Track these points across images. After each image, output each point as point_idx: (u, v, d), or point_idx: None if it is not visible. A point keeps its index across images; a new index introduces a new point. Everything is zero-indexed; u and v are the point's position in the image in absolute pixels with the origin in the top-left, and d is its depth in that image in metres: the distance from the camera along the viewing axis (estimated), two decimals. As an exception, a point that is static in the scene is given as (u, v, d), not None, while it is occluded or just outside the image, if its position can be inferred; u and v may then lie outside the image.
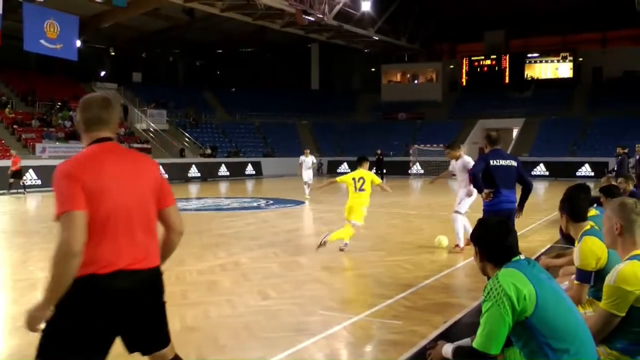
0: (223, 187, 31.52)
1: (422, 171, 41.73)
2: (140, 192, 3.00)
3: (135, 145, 37.27)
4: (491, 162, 7.88)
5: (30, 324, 2.81)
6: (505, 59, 50.57)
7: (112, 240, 2.86)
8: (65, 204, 2.76)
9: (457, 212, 10.49)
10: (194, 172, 37.23)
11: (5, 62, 38.75)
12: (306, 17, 35.82)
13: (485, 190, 7.86)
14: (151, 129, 41.52)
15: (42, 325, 2.82)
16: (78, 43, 29.44)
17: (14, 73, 40.28)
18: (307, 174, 22.24)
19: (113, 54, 49.94)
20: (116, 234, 2.87)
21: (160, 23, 43.02)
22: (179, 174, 35.25)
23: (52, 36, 27.59)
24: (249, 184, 34.03)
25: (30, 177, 27.57)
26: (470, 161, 10.42)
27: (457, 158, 10.72)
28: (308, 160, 22.58)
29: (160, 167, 3.26)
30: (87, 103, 3.11)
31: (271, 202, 21.13)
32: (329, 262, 9.67)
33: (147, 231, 3.01)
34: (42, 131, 35.13)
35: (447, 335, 4.90)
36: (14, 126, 34.76)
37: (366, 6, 38.63)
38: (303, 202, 20.24)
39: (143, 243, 2.98)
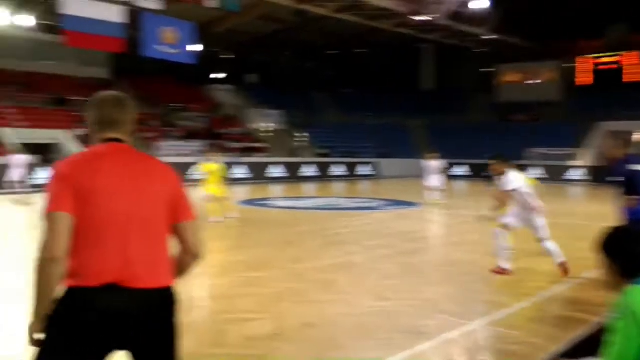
0: (338, 187, 31.78)
1: (542, 175, 40.29)
2: (145, 201, 2.61)
3: (251, 144, 38.52)
4: (634, 166, 7.44)
5: (29, 336, 2.55)
6: (629, 56, 47.99)
7: (104, 249, 2.51)
8: (50, 204, 2.50)
9: (502, 227, 8.56)
10: (307, 171, 37.81)
11: (129, 68, 40.80)
12: (417, 17, 35.52)
13: (633, 197, 7.41)
14: (266, 129, 42.60)
15: (39, 337, 2.54)
16: (195, 47, 30.62)
17: (137, 77, 42.39)
18: (433, 179, 19.83)
19: (227, 57, 51.58)
20: (109, 243, 2.52)
21: (272, 26, 43.95)
22: (292, 174, 36.10)
23: (170, 42, 28.91)
24: (364, 185, 34.09)
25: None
26: (512, 180, 8.42)
27: (501, 174, 8.65)
28: (433, 164, 20.21)
29: (177, 179, 2.84)
30: (99, 101, 2.83)
31: (387, 203, 20.98)
32: (446, 264, 9.53)
33: (151, 245, 2.62)
34: (162, 131, 36.92)
35: (569, 352, 4.69)
36: (137, 126, 36.78)
37: (479, 4, 37.81)
38: (419, 204, 19.66)
39: (145, 258, 2.58)
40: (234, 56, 51.83)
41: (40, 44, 37.82)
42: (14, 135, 30.31)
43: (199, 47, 33.94)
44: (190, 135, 37.08)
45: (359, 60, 57.11)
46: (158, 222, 2.65)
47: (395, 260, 9.80)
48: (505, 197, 8.46)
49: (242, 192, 25.84)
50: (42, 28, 37.00)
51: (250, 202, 21.29)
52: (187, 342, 5.56)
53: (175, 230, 2.72)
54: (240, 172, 33.88)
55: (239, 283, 8.08)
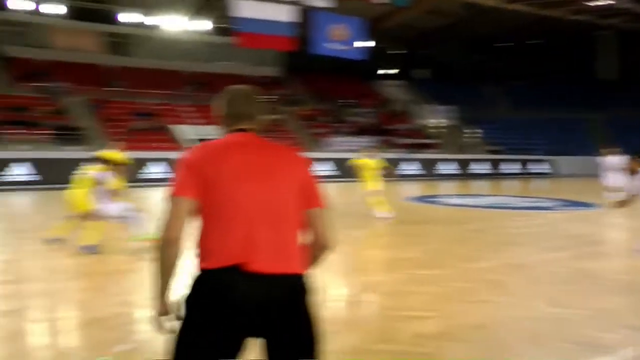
0: (510, 185, 30.81)
1: None
2: (272, 187, 2.63)
3: (420, 141, 38.48)
4: None
5: (154, 323, 2.67)
6: None
7: (231, 233, 2.55)
8: (173, 189, 2.61)
9: None
10: (478, 168, 37.04)
11: (300, 66, 42.14)
12: (595, 2, 33.43)
13: None
14: (436, 125, 42.25)
15: (166, 320, 2.64)
16: (365, 44, 31.01)
17: (307, 75, 43.71)
18: (613, 178, 18.06)
19: (396, 52, 51.67)
20: (236, 228, 2.56)
21: (441, 19, 43.41)
22: (463, 170, 35.59)
23: (340, 38, 29.49)
24: (538, 183, 32.76)
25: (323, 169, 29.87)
26: None
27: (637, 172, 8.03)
28: (612, 161, 18.60)
29: (311, 165, 2.85)
30: (228, 95, 2.86)
31: (562, 203, 20.01)
32: (628, 272, 8.90)
33: (279, 232, 2.61)
34: (332, 127, 37.83)
35: None
36: (307, 122, 37.98)
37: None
38: (598, 206, 18.12)
39: (273, 244, 2.58)
40: (402, 51, 51.81)
41: (215, 46, 40.20)
42: (190, 131, 32.51)
43: (369, 43, 34.32)
44: (360, 131, 37.69)
45: (530, 51, 54.86)
46: (286, 209, 2.65)
47: (570, 264, 9.31)
48: None
49: (412, 189, 25.82)
50: (217, 31, 39.27)
51: (420, 198, 21.29)
52: (354, 337, 5.76)
53: (305, 218, 2.72)
54: (410, 168, 33.89)
55: (407, 280, 8.10)
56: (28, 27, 37.96)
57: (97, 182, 9.67)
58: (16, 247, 10.78)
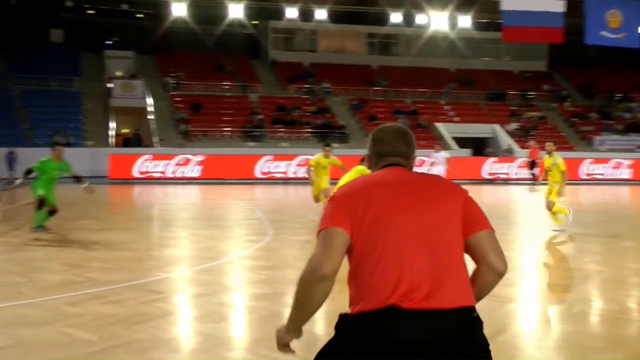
0: None
1: None
2: (428, 217, 2.36)
3: None
4: None
5: (277, 342, 2.56)
6: None
7: (386, 271, 2.27)
8: (324, 222, 2.38)
9: None
10: None
11: (566, 58, 39.64)
12: None
13: None
14: None
15: (291, 347, 2.54)
16: (641, 29, 28.10)
17: (573, 68, 40.94)
18: None
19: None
20: (391, 264, 2.28)
21: None
22: None
23: (614, 26, 26.99)
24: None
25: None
26: None
27: None
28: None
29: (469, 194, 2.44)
30: (380, 134, 2.68)
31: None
32: None
33: (442, 263, 2.31)
34: (601, 124, 34.86)
35: None
36: (573, 119, 35.48)
37: None
38: None
39: (435, 277, 2.28)
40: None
41: (479, 41, 39.36)
42: (451, 129, 32.25)
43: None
44: (629, 128, 34.20)
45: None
46: (447, 239, 2.37)
47: None
48: None
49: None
50: (477, 26, 38.47)
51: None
52: (618, 356, 5.09)
53: (470, 244, 2.41)
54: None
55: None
56: (295, 33, 40.79)
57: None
58: (275, 236, 11.38)
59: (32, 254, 9.18)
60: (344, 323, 2.34)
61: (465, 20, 38.66)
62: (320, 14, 38.99)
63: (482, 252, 2.41)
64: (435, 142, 25.70)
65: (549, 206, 11.72)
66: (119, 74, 35.09)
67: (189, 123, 31.60)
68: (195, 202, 19.76)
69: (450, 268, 2.33)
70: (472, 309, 2.32)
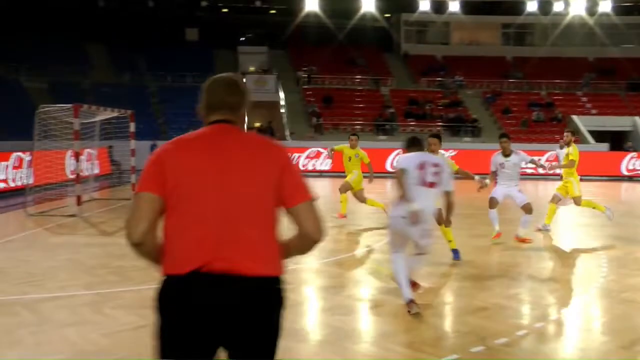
0: None
1: None
2: (242, 182, 2.38)
3: None
4: None
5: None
6: None
7: (194, 233, 2.32)
8: (138, 185, 2.42)
9: None
10: None
11: None
12: None
13: None
14: None
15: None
16: None
17: None
18: None
19: None
20: (199, 227, 2.33)
21: None
22: None
23: None
24: None
25: None
26: None
27: None
28: None
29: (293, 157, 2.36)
30: (209, 84, 2.62)
31: None
32: None
33: (249, 229, 2.36)
34: None
35: None
36: None
37: None
38: None
39: (242, 243, 2.34)
40: None
41: (618, 27, 37.10)
42: (587, 122, 30.66)
43: None
44: None
45: None
46: (259, 204, 2.41)
47: None
48: None
49: None
50: (620, 10, 36.24)
51: None
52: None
53: (292, 214, 2.46)
54: None
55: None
56: (428, 25, 40.25)
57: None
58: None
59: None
60: (159, 285, 2.41)
61: (606, 5, 36.49)
62: (454, 5, 38.30)
63: (301, 223, 2.44)
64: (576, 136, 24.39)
65: (577, 202, 10.87)
66: (252, 69, 36.20)
67: (321, 116, 32.06)
68: (325, 195, 20.01)
69: (252, 236, 2.37)
70: (276, 280, 2.40)
